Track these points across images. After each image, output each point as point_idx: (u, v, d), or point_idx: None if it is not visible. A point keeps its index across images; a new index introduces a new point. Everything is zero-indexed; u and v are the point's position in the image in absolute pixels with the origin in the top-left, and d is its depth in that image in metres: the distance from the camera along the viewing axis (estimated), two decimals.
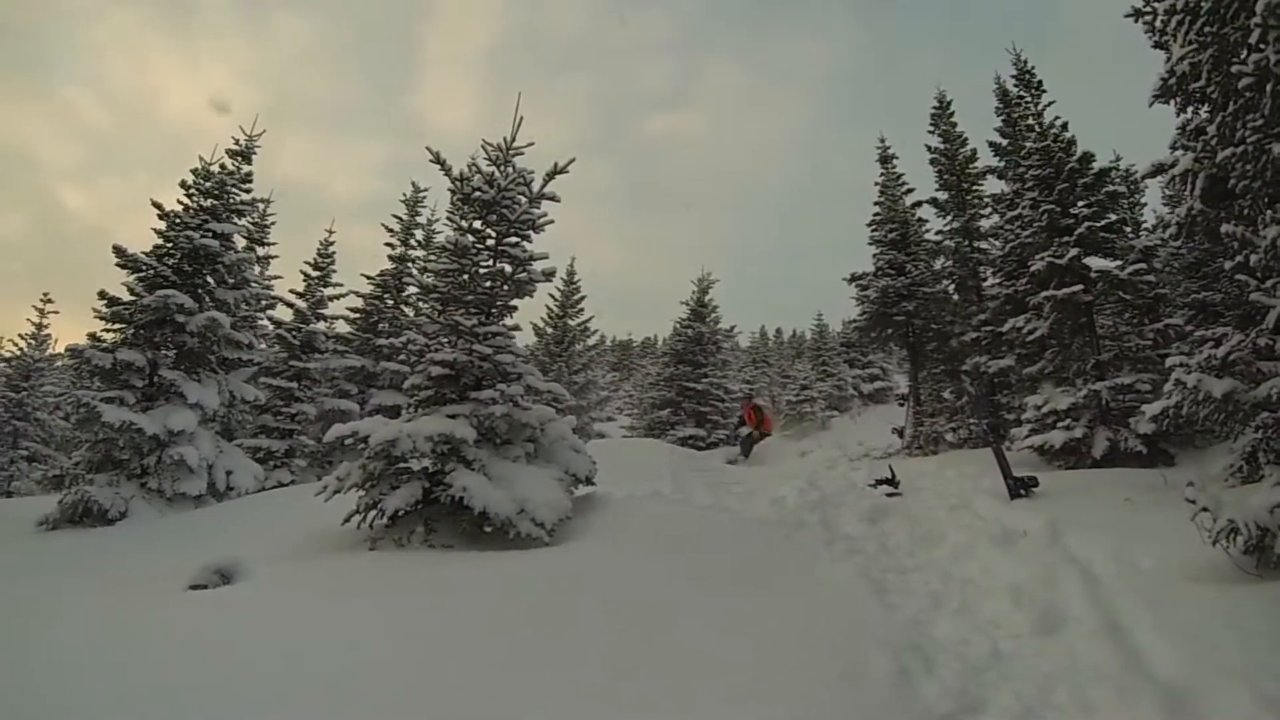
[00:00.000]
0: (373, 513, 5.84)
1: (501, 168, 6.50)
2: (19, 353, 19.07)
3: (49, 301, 19.04)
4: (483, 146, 6.60)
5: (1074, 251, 9.66)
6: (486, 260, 6.44)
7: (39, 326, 19.09)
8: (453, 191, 6.41)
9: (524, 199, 6.43)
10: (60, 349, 21.31)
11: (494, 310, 6.41)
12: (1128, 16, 8.07)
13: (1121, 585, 4.33)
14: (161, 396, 9.35)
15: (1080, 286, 9.45)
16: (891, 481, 8.71)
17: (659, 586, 4.72)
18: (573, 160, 6.37)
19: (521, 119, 6.58)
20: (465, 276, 6.34)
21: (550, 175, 6.43)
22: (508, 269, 6.43)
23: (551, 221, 6.50)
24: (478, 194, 6.31)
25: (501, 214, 6.33)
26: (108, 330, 9.57)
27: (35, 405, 18.90)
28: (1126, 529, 5.29)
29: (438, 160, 6.35)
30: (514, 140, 6.59)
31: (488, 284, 6.48)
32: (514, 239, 6.39)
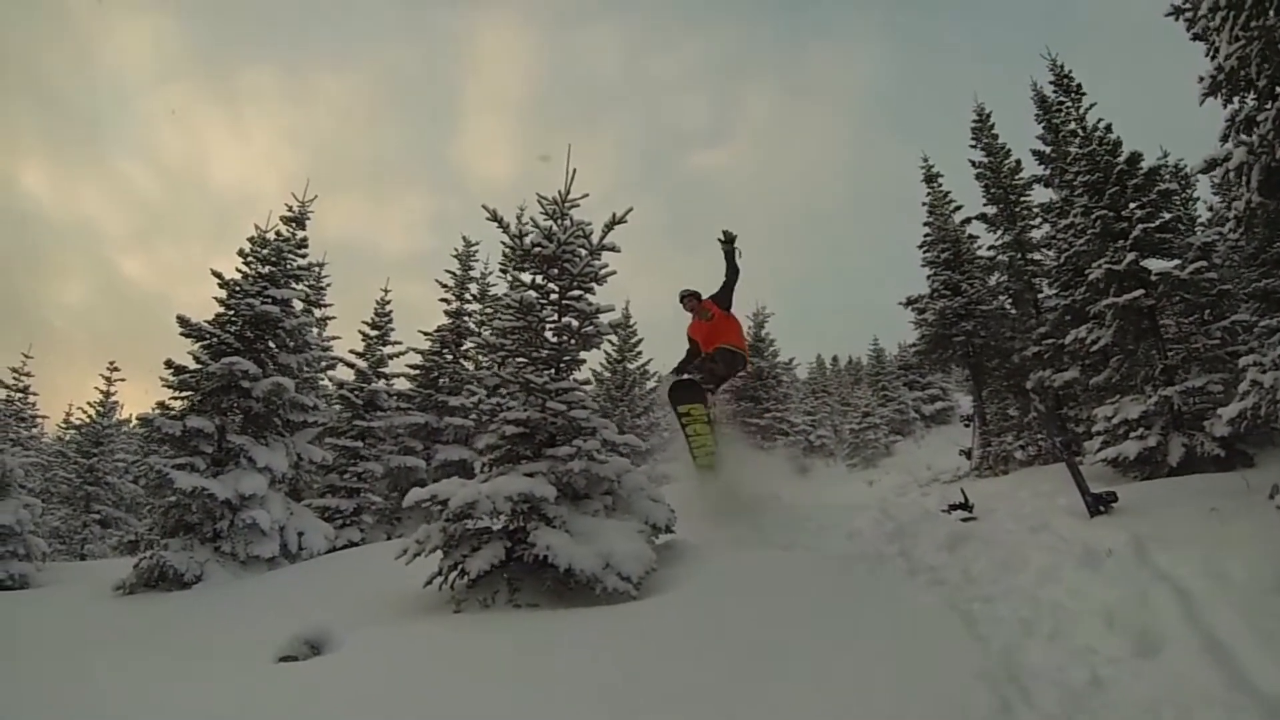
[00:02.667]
0: (454, 574, 5.84)
1: (559, 221, 6.56)
2: (89, 420, 19.72)
3: (115, 370, 19.71)
4: (538, 200, 6.67)
5: (1131, 256, 9.45)
6: (552, 316, 6.49)
7: (106, 394, 19.75)
8: (511, 248, 6.48)
9: (584, 251, 6.47)
10: (127, 414, 22.14)
11: (563, 364, 6.42)
12: (1168, 15, 7.98)
13: (1217, 600, 4.14)
14: (231, 461, 9.54)
15: (1141, 291, 9.22)
16: (965, 506, 8.48)
17: (752, 631, 4.65)
18: (630, 210, 6.38)
19: (575, 171, 6.65)
20: (532, 333, 6.37)
21: (609, 226, 6.46)
22: (574, 324, 6.46)
23: (614, 273, 6.53)
24: (538, 249, 6.36)
25: (564, 268, 6.37)
26: (175, 398, 9.83)
27: (106, 470, 19.49)
28: (1215, 540, 5.07)
29: (495, 218, 6.42)
30: (569, 192, 6.65)
31: (555, 339, 6.51)
32: (577, 292, 6.42)
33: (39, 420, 20.59)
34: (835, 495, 12.66)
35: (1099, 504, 6.73)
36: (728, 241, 8.21)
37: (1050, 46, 12.38)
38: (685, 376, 8.56)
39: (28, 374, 19.50)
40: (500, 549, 5.70)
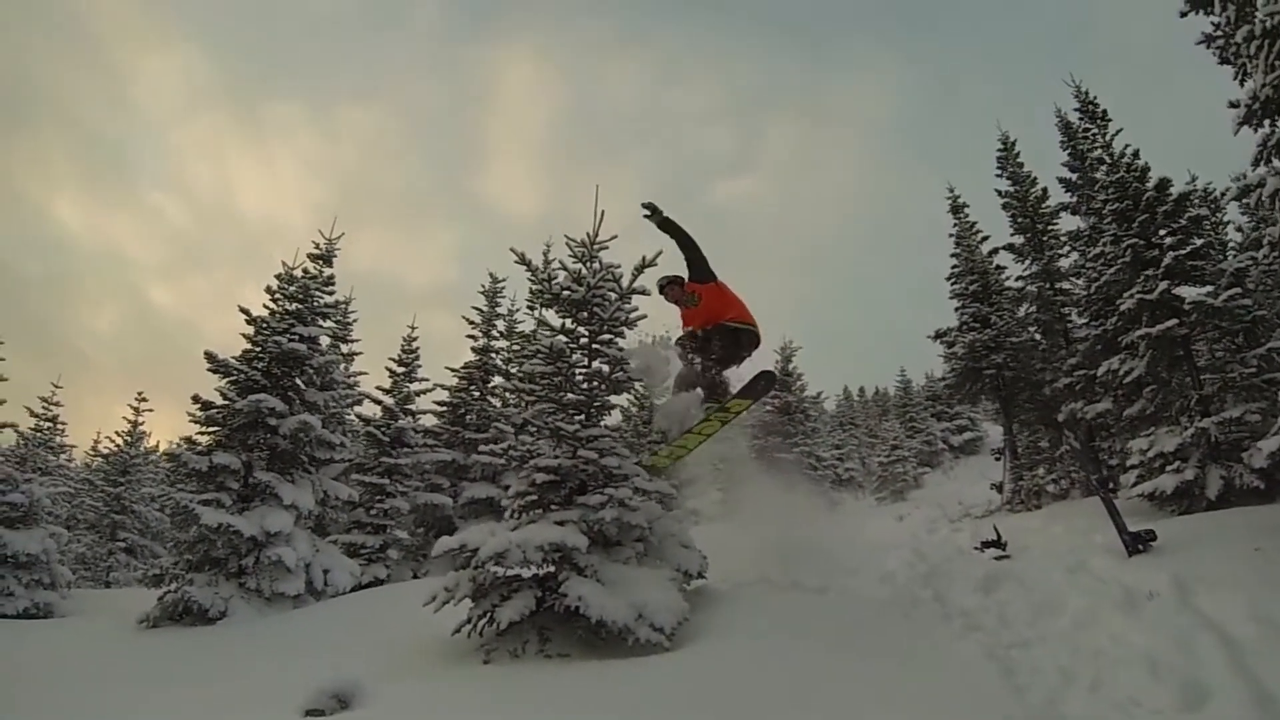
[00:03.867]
0: (484, 622, 5.75)
1: (587, 264, 6.53)
2: (116, 449, 19.95)
3: (143, 400, 19.99)
4: (566, 242, 6.64)
5: (1163, 284, 9.31)
6: (582, 361, 6.44)
7: (134, 424, 19.99)
8: (539, 292, 6.44)
9: (614, 295, 6.42)
10: (154, 441, 22.40)
11: (593, 410, 6.35)
12: (1199, 44, 7.91)
13: (1266, 648, 4.00)
14: (257, 498, 9.55)
15: (1174, 321, 9.06)
16: (998, 543, 8.31)
17: (787, 685, 4.55)
18: (660, 254, 6.31)
19: (603, 213, 6.62)
20: (562, 379, 6.32)
21: (638, 270, 6.40)
22: (605, 369, 6.39)
23: (644, 316, 6.49)
24: (567, 293, 6.33)
25: (593, 312, 6.33)
26: (202, 433, 9.86)
27: (133, 499, 19.67)
28: (1261, 581, 4.94)
29: (523, 261, 6.40)
30: (597, 235, 6.62)
31: (585, 385, 6.45)
32: (608, 336, 6.36)
33: (67, 448, 20.82)
34: (865, 531, 12.47)
35: (1137, 542, 6.55)
36: (653, 213, 6.50)
37: (1074, 74, 12.33)
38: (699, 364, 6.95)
39: (57, 403, 19.67)
40: (531, 598, 5.61)
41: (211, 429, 9.83)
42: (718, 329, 6.62)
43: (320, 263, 10.86)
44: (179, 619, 8.71)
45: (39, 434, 19.05)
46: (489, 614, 5.67)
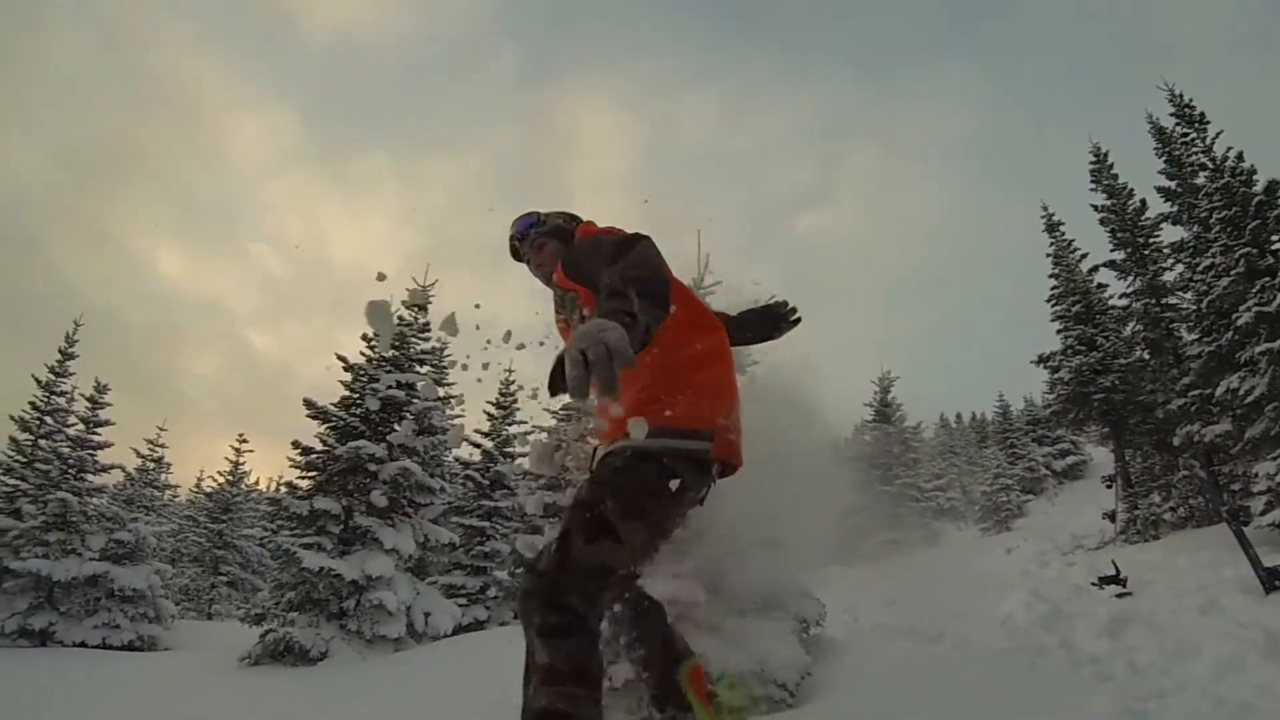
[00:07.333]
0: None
1: None
2: (219, 487, 20.94)
3: (244, 441, 20.99)
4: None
5: None
6: None
7: (235, 464, 20.99)
8: None
9: None
10: (254, 479, 23.47)
11: None
12: None
13: None
14: (358, 542, 9.71)
15: None
16: (1117, 579, 7.78)
17: None
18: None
19: (708, 255, 6.49)
20: None
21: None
22: None
23: (756, 363, 6.26)
24: None
25: None
26: (303, 477, 10.10)
27: (234, 535, 20.57)
28: None
29: None
30: (702, 279, 6.48)
31: None
32: None
33: (172, 486, 21.91)
34: (974, 567, 11.96)
35: (1274, 578, 5.94)
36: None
37: (1166, 78, 11.77)
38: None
39: (162, 444, 20.77)
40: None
41: (311, 474, 10.07)
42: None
43: (415, 310, 11.07)
44: (280, 658, 8.87)
45: (145, 474, 20.07)
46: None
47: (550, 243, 2.44)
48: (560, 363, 1.33)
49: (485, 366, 2.33)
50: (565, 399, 1.39)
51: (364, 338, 10.56)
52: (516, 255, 2.60)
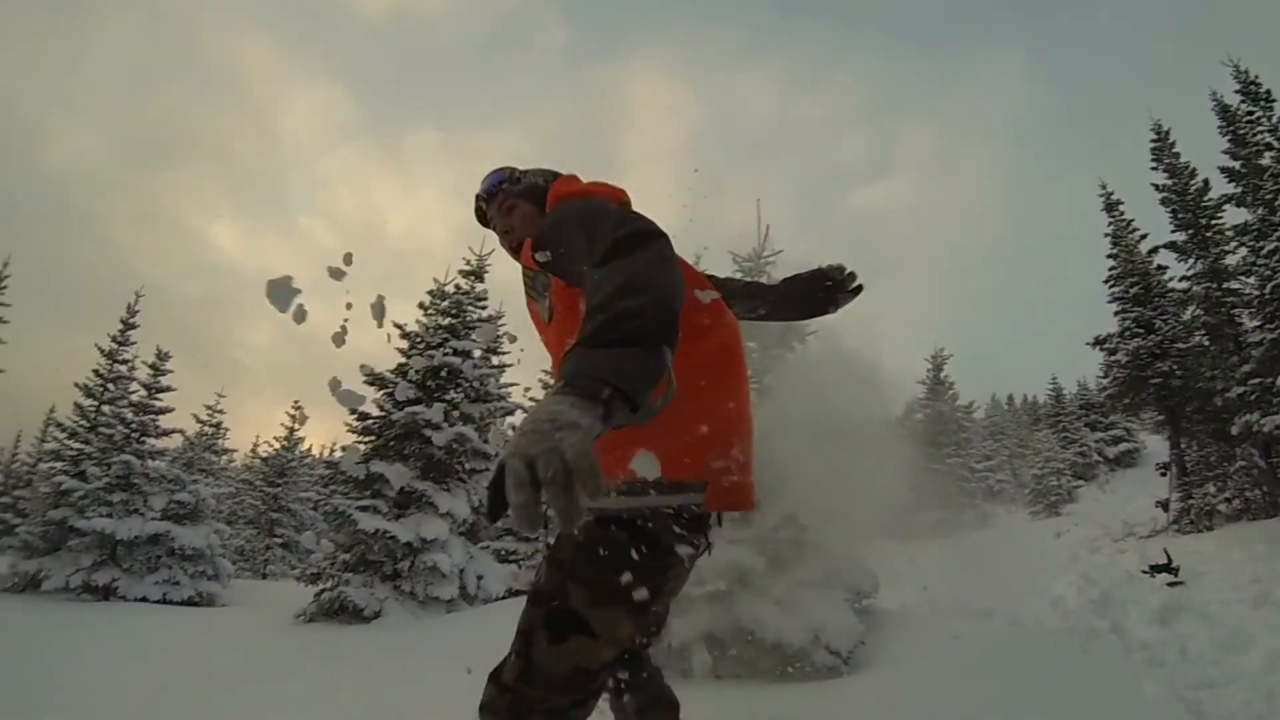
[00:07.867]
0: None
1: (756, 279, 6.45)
2: (274, 452, 21.66)
3: (299, 408, 21.58)
4: (732, 258, 6.60)
5: None
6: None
7: (291, 430, 21.64)
8: None
9: None
10: (308, 445, 24.19)
11: None
12: None
13: None
14: (413, 505, 9.95)
15: None
16: (1170, 568, 7.73)
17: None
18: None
19: (768, 227, 6.52)
20: None
21: None
22: None
23: (813, 331, 6.31)
24: None
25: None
26: (359, 442, 10.37)
27: (289, 499, 21.24)
28: None
29: None
30: (763, 249, 6.54)
31: None
32: (778, 352, 6.26)
33: (229, 451, 22.75)
34: (1023, 548, 11.90)
35: None
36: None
37: (1232, 53, 11.36)
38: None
39: (220, 411, 21.51)
40: (705, 618, 5.57)
41: (367, 438, 10.34)
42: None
43: (472, 278, 11.25)
44: (334, 616, 9.16)
45: (204, 439, 20.79)
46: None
47: (523, 204, 2.01)
48: (501, 474, 0.88)
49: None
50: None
51: (420, 305, 10.78)
52: (483, 219, 2.16)
